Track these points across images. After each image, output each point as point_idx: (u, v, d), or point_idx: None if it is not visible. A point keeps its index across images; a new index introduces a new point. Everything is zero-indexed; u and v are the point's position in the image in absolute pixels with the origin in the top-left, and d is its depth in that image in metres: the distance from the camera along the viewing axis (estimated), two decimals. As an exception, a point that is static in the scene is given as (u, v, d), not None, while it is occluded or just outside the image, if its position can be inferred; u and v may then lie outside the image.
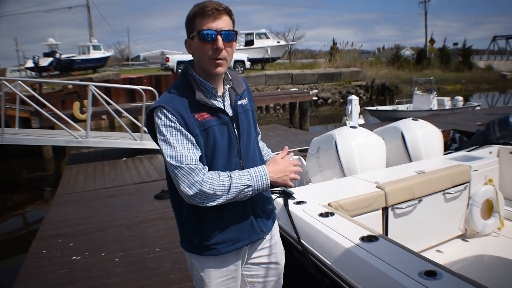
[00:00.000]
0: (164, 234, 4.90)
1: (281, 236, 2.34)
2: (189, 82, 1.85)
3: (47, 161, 13.51)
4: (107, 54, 37.77)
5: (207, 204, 1.75)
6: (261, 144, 2.34)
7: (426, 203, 3.33)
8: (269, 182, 1.83)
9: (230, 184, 1.75)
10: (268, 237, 2.13)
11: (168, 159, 1.73)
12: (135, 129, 10.32)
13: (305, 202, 2.86)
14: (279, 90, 24.85)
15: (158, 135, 1.78)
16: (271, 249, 2.15)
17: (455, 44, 57.05)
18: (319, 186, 3.59)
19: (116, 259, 4.29)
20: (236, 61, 27.82)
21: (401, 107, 19.16)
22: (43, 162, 13.45)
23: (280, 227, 2.44)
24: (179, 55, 28.81)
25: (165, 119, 1.75)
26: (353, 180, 3.54)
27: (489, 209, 3.84)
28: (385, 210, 3.09)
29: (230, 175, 1.78)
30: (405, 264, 1.88)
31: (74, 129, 9.30)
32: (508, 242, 3.66)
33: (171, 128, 1.74)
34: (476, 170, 3.73)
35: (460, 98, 19.02)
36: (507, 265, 3.28)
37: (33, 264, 4.32)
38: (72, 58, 34.13)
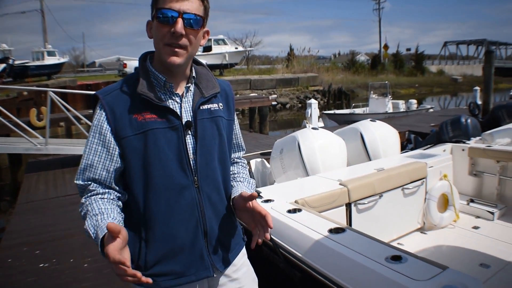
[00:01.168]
0: (132, 238, 4.87)
1: None
2: (139, 73, 1.56)
3: (3, 170, 13.12)
4: (62, 60, 36.73)
5: None
6: (240, 169, 1.88)
7: (387, 198, 3.52)
8: (101, 252, 1.31)
9: (85, 221, 1.46)
10: (233, 268, 1.73)
11: (79, 166, 1.54)
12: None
13: (273, 200, 2.99)
14: (238, 95, 24.89)
15: None
16: (238, 283, 1.75)
17: (408, 49, 59.44)
18: (285, 185, 3.73)
19: (86, 265, 4.26)
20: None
21: (358, 111, 19.69)
22: (-1, 171, 13.07)
23: None
24: (136, 61, 28.52)
25: (95, 113, 1.53)
26: (317, 178, 3.70)
27: (445, 202, 4.09)
28: (348, 206, 3.26)
29: (89, 214, 1.47)
30: (372, 251, 2.03)
31: (32, 136, 9.10)
32: (463, 233, 3.90)
33: (95, 127, 1.51)
34: (431, 167, 3.96)
35: (414, 101, 19.76)
36: (463, 255, 3.49)
37: (-1, 274, 4.25)
38: (26, 64, 32.98)
